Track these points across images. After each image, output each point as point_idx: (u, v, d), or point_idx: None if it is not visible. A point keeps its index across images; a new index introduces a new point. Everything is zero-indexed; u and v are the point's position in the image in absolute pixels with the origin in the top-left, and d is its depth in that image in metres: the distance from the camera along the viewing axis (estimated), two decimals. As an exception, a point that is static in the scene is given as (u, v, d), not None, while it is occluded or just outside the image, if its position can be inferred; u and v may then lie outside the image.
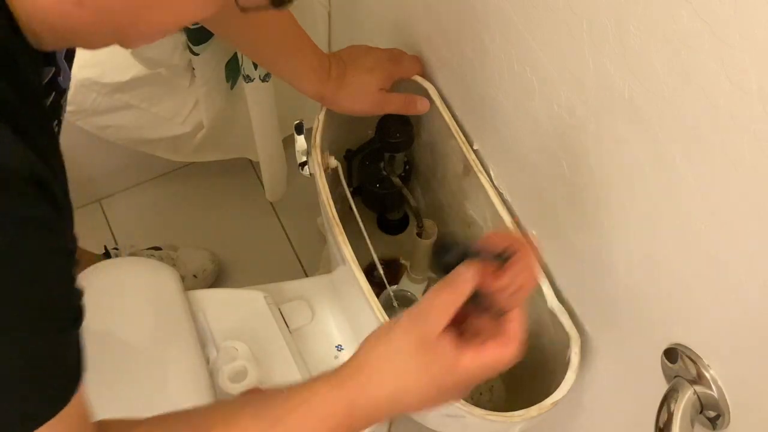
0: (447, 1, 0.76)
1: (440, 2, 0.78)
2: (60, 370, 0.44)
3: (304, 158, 0.83)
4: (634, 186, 0.55)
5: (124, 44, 0.47)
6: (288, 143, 1.37)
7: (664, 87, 0.47)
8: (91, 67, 1.16)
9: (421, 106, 0.84)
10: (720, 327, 0.52)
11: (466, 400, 0.69)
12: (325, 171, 0.81)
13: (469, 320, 0.52)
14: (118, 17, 0.43)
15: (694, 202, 0.49)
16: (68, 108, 0.40)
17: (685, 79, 0.45)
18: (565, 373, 0.70)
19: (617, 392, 0.72)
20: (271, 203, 1.55)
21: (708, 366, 0.54)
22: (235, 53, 1.18)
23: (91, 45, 0.47)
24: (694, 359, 0.54)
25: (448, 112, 0.83)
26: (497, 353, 0.50)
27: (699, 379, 0.54)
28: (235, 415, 0.51)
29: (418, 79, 0.85)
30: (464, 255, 0.52)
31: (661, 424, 0.53)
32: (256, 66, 1.12)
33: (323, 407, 0.51)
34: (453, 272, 0.51)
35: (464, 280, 0.51)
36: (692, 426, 0.53)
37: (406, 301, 1.05)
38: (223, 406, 0.55)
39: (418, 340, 0.50)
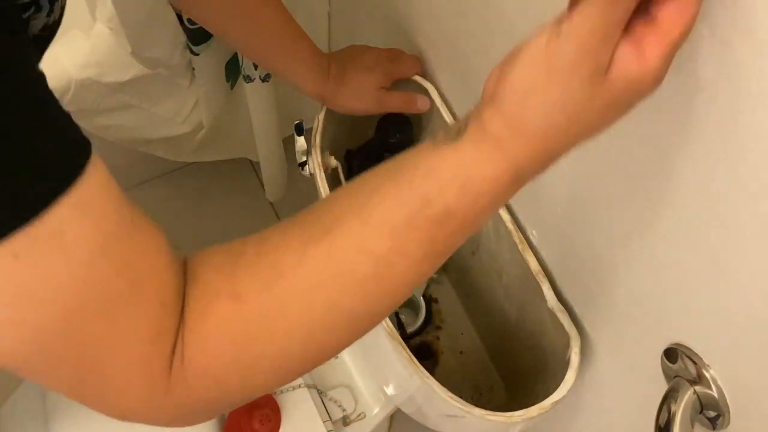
0: (447, 1, 0.76)
1: (441, 2, 0.78)
2: (65, 134, 0.34)
3: (304, 158, 0.83)
4: (634, 186, 0.55)
5: None
6: (288, 143, 1.37)
7: (664, 86, 0.47)
8: (91, 67, 1.16)
9: (421, 104, 0.84)
10: (720, 327, 0.52)
11: (467, 401, 0.69)
12: (325, 171, 0.81)
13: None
14: None
15: (694, 202, 0.49)
16: (68, 108, 0.37)
17: (685, 79, 0.44)
18: (565, 373, 0.70)
19: (617, 392, 0.72)
20: (271, 203, 1.55)
21: (708, 366, 0.53)
22: (236, 53, 1.18)
23: None
24: (694, 359, 0.54)
25: (448, 112, 0.83)
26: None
27: (699, 379, 0.54)
28: (367, 205, 0.39)
29: (418, 79, 0.85)
30: None
31: (661, 424, 0.53)
32: (256, 66, 1.12)
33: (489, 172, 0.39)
34: None
35: None
36: (692, 426, 0.53)
37: (406, 301, 1.05)
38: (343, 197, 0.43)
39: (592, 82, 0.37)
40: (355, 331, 0.43)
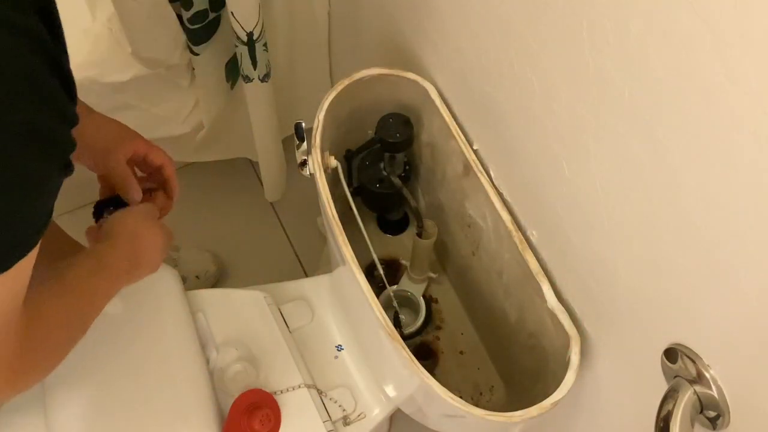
0: (447, 1, 0.76)
1: (441, 2, 0.78)
2: (28, 221, 0.49)
3: (304, 158, 0.83)
4: (634, 186, 0.55)
5: None
6: (288, 143, 1.37)
7: (664, 87, 0.47)
8: (91, 67, 1.16)
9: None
10: (720, 327, 0.52)
11: (467, 401, 0.69)
12: (325, 171, 0.81)
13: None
14: None
15: (693, 202, 0.49)
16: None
17: (685, 79, 0.45)
18: (565, 373, 0.70)
19: (617, 392, 0.72)
20: (271, 203, 1.55)
21: (708, 366, 0.54)
22: (235, 53, 1.18)
23: None
24: (694, 359, 0.54)
25: (448, 112, 0.83)
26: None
27: (699, 379, 0.54)
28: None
29: (418, 79, 0.85)
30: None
31: (661, 424, 0.53)
32: (255, 66, 1.12)
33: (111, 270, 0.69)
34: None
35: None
36: (692, 426, 0.53)
37: (406, 301, 1.05)
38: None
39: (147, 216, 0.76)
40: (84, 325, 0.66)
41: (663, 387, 0.56)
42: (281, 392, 0.91)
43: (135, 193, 0.81)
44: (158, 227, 0.77)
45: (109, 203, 0.82)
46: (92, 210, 0.82)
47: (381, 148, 0.92)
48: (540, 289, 0.74)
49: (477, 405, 0.69)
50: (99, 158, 0.80)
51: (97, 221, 0.81)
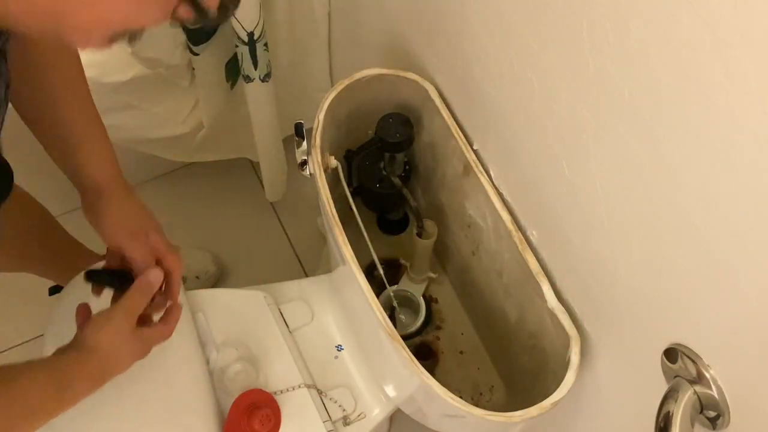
0: (448, 1, 0.76)
1: (441, 2, 0.78)
2: None
3: (304, 158, 0.83)
4: (634, 186, 0.55)
5: (63, 38, 0.49)
6: (288, 143, 1.37)
7: (664, 87, 0.47)
8: (91, 67, 1.16)
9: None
10: (720, 327, 0.52)
11: (467, 401, 0.69)
12: (325, 171, 0.81)
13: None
14: (42, 8, 0.45)
15: (693, 202, 0.49)
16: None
17: (685, 79, 0.45)
18: (565, 373, 0.70)
19: (617, 392, 0.72)
20: (271, 203, 1.55)
21: (708, 366, 0.54)
22: (235, 53, 1.18)
23: (26, 31, 0.50)
24: (694, 359, 0.54)
25: (448, 112, 0.83)
26: (161, 330, 0.77)
27: (699, 379, 0.54)
28: None
29: (418, 78, 0.85)
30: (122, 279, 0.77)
31: (661, 424, 0.53)
32: (256, 66, 1.12)
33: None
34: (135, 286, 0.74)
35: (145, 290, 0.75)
36: (692, 426, 0.53)
37: (406, 301, 1.05)
38: None
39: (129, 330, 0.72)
40: None
41: (663, 387, 0.56)
42: (281, 392, 0.91)
43: (155, 278, 0.76)
44: (137, 341, 0.73)
45: (113, 276, 0.79)
46: (90, 273, 0.78)
47: (381, 148, 0.92)
48: (540, 289, 0.74)
49: (477, 405, 0.69)
50: (123, 240, 0.78)
51: (94, 287, 0.78)
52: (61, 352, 0.69)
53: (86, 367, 0.68)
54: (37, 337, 1.38)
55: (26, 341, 1.39)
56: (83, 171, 0.77)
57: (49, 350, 0.70)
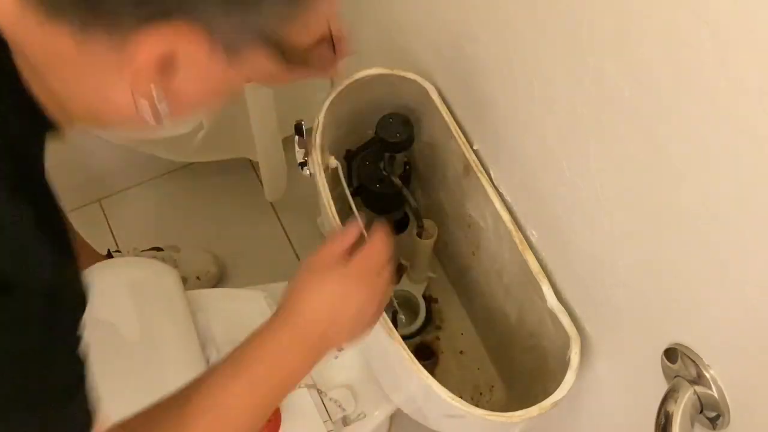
0: (447, 1, 0.76)
1: (441, 2, 0.78)
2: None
3: (304, 158, 0.83)
4: (634, 186, 0.55)
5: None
6: (288, 143, 1.37)
7: (664, 87, 0.47)
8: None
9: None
10: (720, 327, 0.52)
11: (467, 401, 0.69)
12: (325, 171, 0.81)
13: None
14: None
15: (693, 202, 0.49)
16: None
17: (685, 79, 0.45)
18: (565, 373, 0.70)
19: (617, 392, 0.72)
20: (271, 203, 1.55)
21: (708, 366, 0.54)
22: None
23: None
24: (694, 359, 0.54)
25: (448, 112, 0.83)
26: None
27: (699, 379, 0.54)
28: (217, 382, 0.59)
29: (418, 78, 0.85)
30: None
31: (661, 424, 0.53)
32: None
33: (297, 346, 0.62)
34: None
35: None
36: (692, 426, 0.53)
37: (406, 301, 1.05)
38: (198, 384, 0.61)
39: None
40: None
41: (663, 387, 0.56)
42: (281, 392, 0.91)
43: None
44: (379, 284, 0.65)
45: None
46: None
47: (381, 148, 0.91)
48: (540, 289, 0.74)
49: (477, 405, 0.69)
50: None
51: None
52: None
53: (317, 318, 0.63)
54: (37, 337, 1.38)
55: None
56: None
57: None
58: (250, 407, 0.59)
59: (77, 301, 0.48)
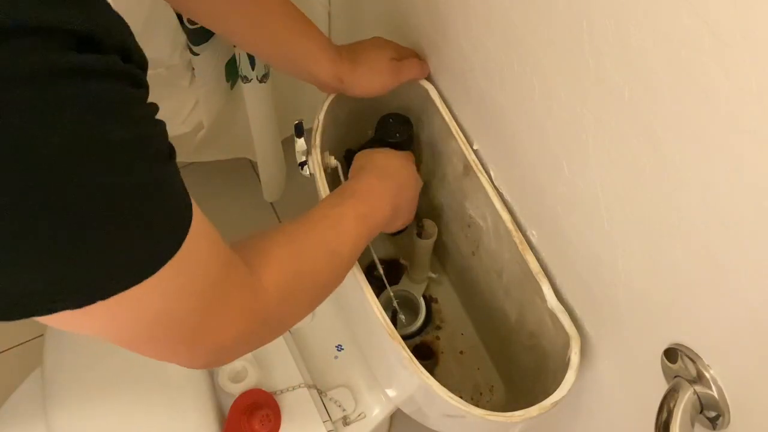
0: (447, 1, 0.76)
1: (440, 2, 0.78)
2: (172, 198, 0.44)
3: (304, 158, 0.83)
4: (634, 186, 0.55)
5: None
6: (288, 143, 1.37)
7: (664, 87, 0.47)
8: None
9: (427, 69, 0.86)
10: (720, 327, 0.52)
11: (467, 401, 0.69)
12: (325, 171, 0.81)
13: None
14: None
15: (694, 202, 0.49)
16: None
17: (685, 79, 0.45)
18: (565, 373, 0.70)
19: (617, 392, 0.72)
20: (271, 203, 1.55)
21: (708, 366, 0.54)
22: (234, 53, 1.18)
23: None
24: (694, 359, 0.54)
25: (448, 112, 0.83)
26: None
27: (699, 379, 0.54)
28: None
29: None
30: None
31: (661, 424, 0.53)
32: (253, 66, 1.12)
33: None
34: None
35: None
36: (692, 426, 0.53)
37: (406, 301, 1.05)
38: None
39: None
40: (335, 269, 0.68)
41: (663, 387, 0.56)
42: (281, 392, 0.91)
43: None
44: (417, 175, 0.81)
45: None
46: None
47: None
48: (540, 289, 0.74)
49: (477, 405, 0.69)
50: (391, 84, 0.84)
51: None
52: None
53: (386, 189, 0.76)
54: (38, 337, 1.38)
55: (27, 341, 1.39)
56: (316, 77, 0.81)
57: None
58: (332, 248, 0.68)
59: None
